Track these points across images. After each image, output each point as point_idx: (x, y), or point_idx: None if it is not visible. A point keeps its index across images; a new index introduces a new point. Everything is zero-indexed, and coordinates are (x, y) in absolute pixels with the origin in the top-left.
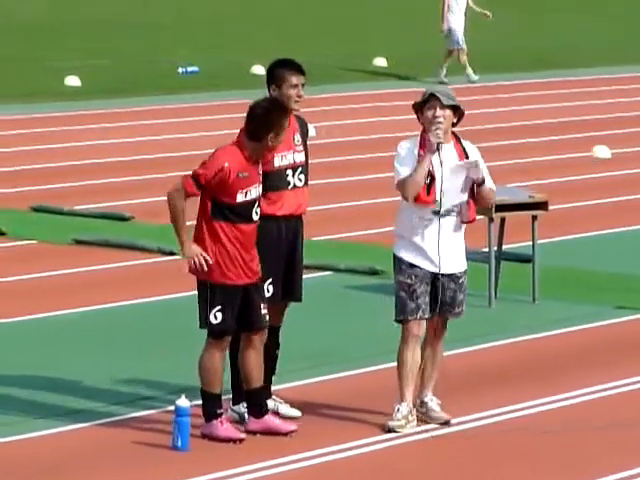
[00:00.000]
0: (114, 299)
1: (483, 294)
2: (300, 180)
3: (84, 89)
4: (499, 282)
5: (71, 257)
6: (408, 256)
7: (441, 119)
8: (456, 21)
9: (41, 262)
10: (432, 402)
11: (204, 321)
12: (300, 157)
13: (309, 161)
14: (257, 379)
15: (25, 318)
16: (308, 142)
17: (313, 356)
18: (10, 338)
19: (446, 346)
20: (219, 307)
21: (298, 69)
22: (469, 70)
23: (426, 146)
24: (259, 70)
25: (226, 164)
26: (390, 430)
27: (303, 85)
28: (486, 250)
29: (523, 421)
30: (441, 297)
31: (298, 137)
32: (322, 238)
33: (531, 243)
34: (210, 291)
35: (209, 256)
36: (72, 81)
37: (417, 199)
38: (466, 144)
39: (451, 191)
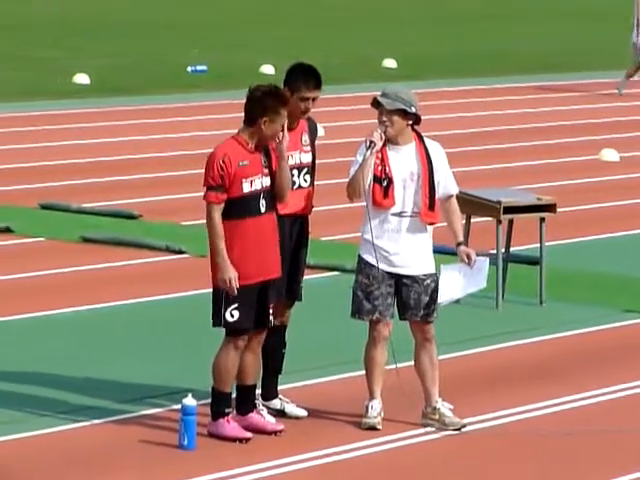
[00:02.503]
0: (122, 297)
1: (490, 296)
2: (305, 181)
3: (93, 87)
4: (506, 284)
5: (79, 255)
6: (368, 256)
7: (387, 123)
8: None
9: (49, 260)
10: (444, 407)
11: (220, 319)
12: (307, 158)
13: (316, 162)
14: (251, 377)
15: (32, 315)
16: (318, 141)
17: (320, 356)
18: (17, 335)
19: (452, 348)
20: (236, 305)
21: (315, 83)
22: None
23: (385, 145)
24: (269, 70)
25: (225, 154)
26: (370, 428)
27: (314, 99)
28: (494, 252)
29: (528, 423)
30: (405, 299)
31: (306, 138)
32: (329, 238)
33: (539, 245)
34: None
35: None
36: (81, 79)
37: (374, 202)
38: (429, 143)
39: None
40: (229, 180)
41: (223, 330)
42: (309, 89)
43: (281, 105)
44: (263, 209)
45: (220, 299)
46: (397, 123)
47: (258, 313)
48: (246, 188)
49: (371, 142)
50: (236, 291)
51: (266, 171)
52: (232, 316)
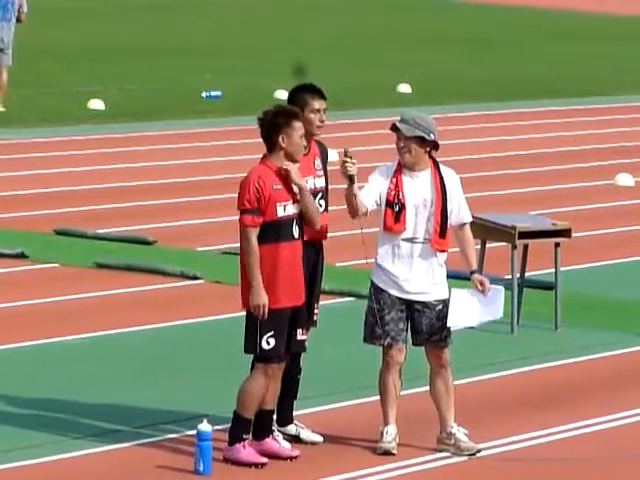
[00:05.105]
0: (137, 323)
1: (506, 321)
2: (320, 205)
3: (108, 112)
4: (522, 309)
5: (94, 280)
6: (379, 281)
7: (405, 150)
8: None
9: (64, 285)
10: (459, 432)
11: (254, 347)
12: (320, 182)
13: (329, 186)
14: (270, 402)
15: (47, 341)
16: (329, 167)
17: (335, 382)
18: (31, 361)
19: (467, 373)
20: (272, 332)
21: (320, 94)
22: None
23: (401, 170)
24: (282, 95)
25: (259, 177)
26: (385, 453)
27: (325, 110)
28: (509, 277)
29: (544, 449)
30: (416, 325)
31: (318, 162)
32: (344, 264)
33: (554, 270)
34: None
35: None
36: (96, 104)
37: (385, 227)
38: (444, 171)
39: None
40: (264, 203)
41: (242, 355)
42: (316, 99)
43: (292, 117)
44: (296, 234)
45: (255, 326)
46: (415, 150)
47: (286, 339)
48: (280, 212)
49: (350, 176)
50: (266, 317)
51: (297, 198)
52: (268, 344)
